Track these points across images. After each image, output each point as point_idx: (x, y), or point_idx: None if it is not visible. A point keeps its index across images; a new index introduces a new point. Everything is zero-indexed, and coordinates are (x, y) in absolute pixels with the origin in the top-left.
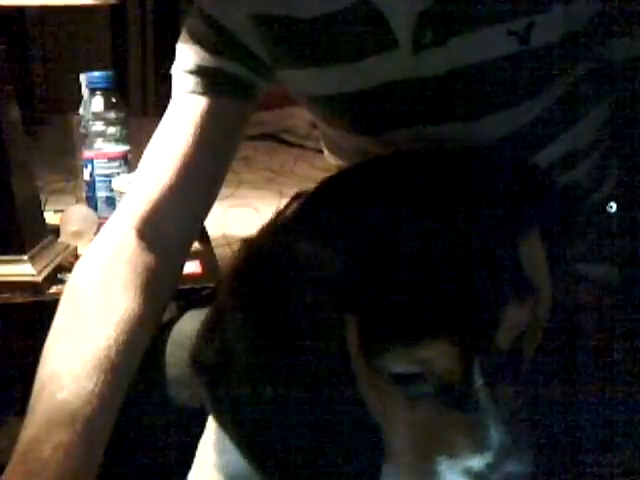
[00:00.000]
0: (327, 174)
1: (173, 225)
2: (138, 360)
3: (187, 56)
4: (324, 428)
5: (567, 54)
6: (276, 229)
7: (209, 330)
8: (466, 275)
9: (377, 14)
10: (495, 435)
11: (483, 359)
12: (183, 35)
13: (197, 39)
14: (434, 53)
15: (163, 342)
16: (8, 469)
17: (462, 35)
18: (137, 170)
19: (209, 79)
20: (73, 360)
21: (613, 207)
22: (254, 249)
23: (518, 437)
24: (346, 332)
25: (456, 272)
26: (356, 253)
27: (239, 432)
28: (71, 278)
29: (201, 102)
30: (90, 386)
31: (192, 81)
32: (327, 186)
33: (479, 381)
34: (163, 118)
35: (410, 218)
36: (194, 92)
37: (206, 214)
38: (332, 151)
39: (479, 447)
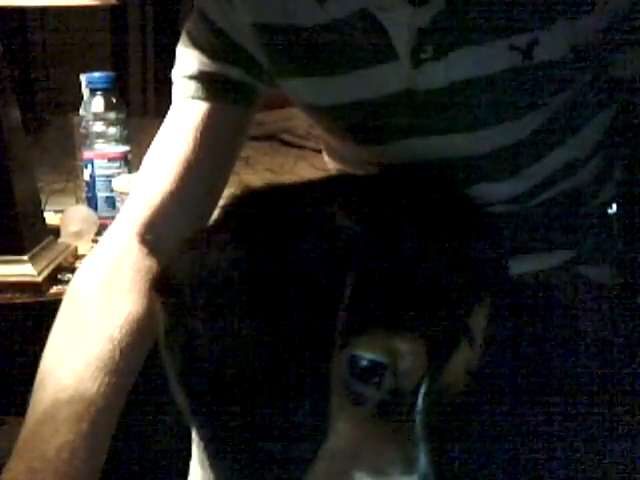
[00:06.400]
0: (327, 174)
1: (175, 230)
2: (141, 362)
3: (188, 61)
4: (276, 396)
5: (571, 68)
6: None
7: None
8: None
9: (378, 26)
10: (422, 461)
11: (430, 384)
12: (183, 39)
13: (198, 44)
14: (434, 66)
15: None
16: (10, 465)
17: (463, 49)
18: (139, 175)
19: (210, 84)
20: (76, 361)
21: (613, 207)
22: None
23: (442, 468)
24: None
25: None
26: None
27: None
28: (73, 282)
29: (202, 107)
30: (94, 387)
31: (193, 86)
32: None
33: (420, 403)
34: (164, 123)
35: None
36: (195, 97)
37: (208, 218)
38: (331, 156)
39: (408, 468)
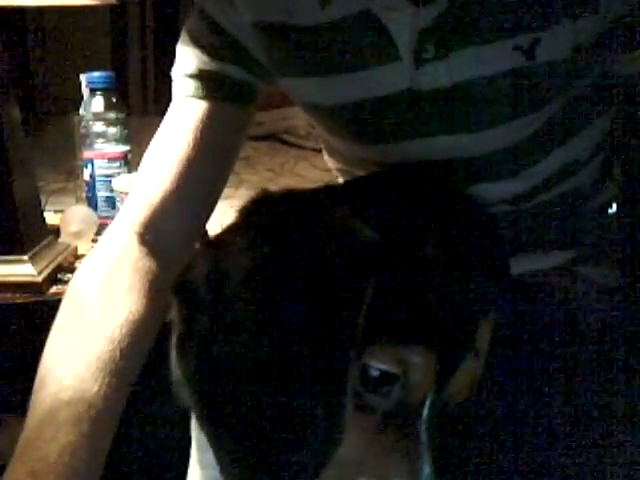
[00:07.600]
0: (327, 174)
1: (175, 229)
2: (141, 363)
3: (188, 59)
4: (290, 398)
5: (573, 69)
6: None
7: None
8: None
9: (379, 26)
10: (426, 471)
11: (436, 396)
12: (183, 37)
13: (198, 42)
14: (436, 67)
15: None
16: (11, 468)
17: (465, 50)
18: (138, 174)
19: (210, 83)
20: (76, 361)
21: (613, 206)
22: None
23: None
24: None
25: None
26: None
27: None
28: (72, 281)
29: (202, 106)
30: (95, 388)
31: (193, 85)
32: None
33: (425, 414)
34: (163, 122)
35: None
36: (194, 96)
37: (208, 217)
38: (331, 155)
39: (412, 477)
